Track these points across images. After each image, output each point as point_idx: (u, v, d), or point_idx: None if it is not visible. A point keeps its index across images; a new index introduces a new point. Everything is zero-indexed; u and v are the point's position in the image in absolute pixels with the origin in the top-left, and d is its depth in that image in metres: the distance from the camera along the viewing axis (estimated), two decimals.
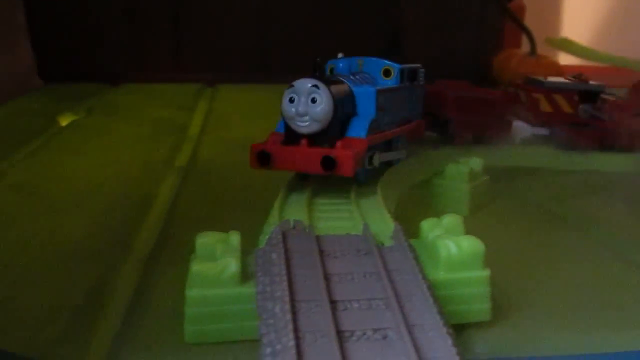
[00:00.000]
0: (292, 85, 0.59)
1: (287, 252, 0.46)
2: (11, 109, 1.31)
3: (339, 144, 0.58)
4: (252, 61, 1.73)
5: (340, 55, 0.68)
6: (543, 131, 1.00)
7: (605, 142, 1.00)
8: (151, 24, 1.68)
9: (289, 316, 0.37)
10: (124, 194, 0.82)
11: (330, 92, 0.58)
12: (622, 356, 0.49)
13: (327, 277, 0.43)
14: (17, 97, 1.40)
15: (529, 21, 1.76)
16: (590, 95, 1.01)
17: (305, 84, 0.58)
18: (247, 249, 0.49)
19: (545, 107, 0.99)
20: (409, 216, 0.63)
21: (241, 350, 0.47)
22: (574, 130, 0.99)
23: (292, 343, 0.35)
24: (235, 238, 0.49)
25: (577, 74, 1.05)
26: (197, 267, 0.45)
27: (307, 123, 0.58)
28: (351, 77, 0.66)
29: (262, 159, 0.59)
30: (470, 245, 0.48)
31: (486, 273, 0.48)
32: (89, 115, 1.29)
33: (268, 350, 0.36)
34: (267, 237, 0.50)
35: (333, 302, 0.40)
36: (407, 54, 1.70)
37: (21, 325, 0.51)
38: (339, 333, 0.37)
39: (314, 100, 0.57)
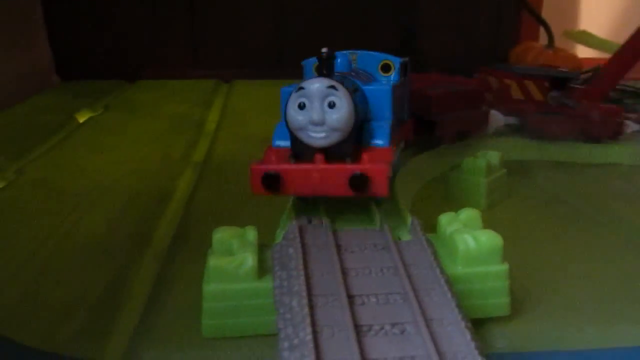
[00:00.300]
0: (302, 88, 0.47)
1: (304, 247, 0.46)
2: (30, 106, 1.32)
3: (365, 156, 0.48)
4: (268, 57, 1.73)
5: (324, 50, 0.55)
6: (514, 120, 0.97)
7: (574, 131, 0.97)
8: (168, 21, 1.69)
9: (306, 310, 0.37)
10: (141, 189, 0.83)
11: (349, 92, 0.48)
12: None
13: (344, 272, 0.43)
14: (35, 94, 1.41)
15: (546, 13, 1.74)
16: (559, 82, 0.98)
17: (319, 86, 0.47)
18: (263, 244, 0.50)
19: (517, 94, 0.96)
20: (427, 210, 0.63)
21: (258, 345, 0.47)
22: (543, 118, 0.96)
23: (309, 337, 0.35)
24: (251, 233, 0.49)
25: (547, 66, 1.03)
26: (214, 262, 0.46)
27: (325, 134, 0.47)
28: (352, 73, 0.58)
29: (269, 182, 0.47)
30: (489, 239, 0.47)
31: (505, 267, 0.48)
32: (107, 112, 1.30)
33: (285, 344, 0.36)
34: (283, 231, 0.50)
35: (350, 297, 0.40)
36: (423, 47, 1.69)
37: (41, 320, 0.51)
38: (357, 327, 0.37)
39: (331, 105, 0.46)
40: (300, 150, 0.48)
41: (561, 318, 0.52)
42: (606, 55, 1.79)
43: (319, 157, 0.47)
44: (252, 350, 0.46)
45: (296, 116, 0.47)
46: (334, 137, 0.47)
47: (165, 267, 0.60)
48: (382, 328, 0.38)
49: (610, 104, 1.06)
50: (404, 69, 0.62)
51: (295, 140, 0.48)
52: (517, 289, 0.53)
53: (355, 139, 0.49)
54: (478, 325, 0.48)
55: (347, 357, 0.35)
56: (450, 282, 0.43)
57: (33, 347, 0.47)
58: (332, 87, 0.47)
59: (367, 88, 0.54)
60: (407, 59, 0.63)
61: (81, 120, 1.21)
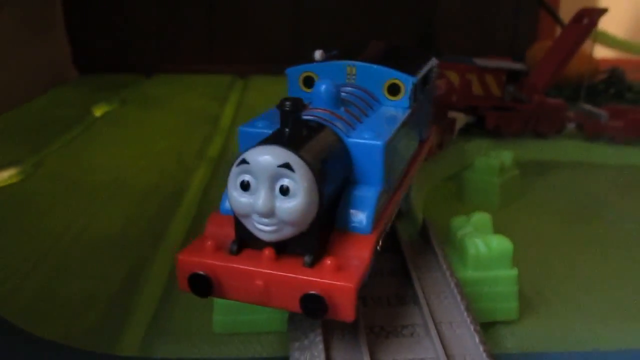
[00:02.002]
0: (245, 161, 0.33)
1: None
2: (48, 100, 1.34)
3: (328, 261, 0.33)
4: (285, 53, 1.73)
5: (317, 54, 0.43)
6: (473, 119, 0.93)
7: (528, 126, 0.95)
8: (185, 16, 1.70)
9: None
10: (157, 184, 0.84)
11: (313, 173, 0.33)
12: None
13: None
14: (53, 88, 1.42)
15: (563, 12, 1.73)
16: (514, 76, 0.95)
17: (269, 163, 0.32)
18: None
19: (477, 89, 0.91)
20: (438, 210, 0.63)
21: (269, 341, 0.47)
22: (498, 116, 0.93)
23: (319, 338, 0.36)
24: None
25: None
26: None
27: (274, 227, 0.33)
28: (341, 103, 0.41)
29: (197, 285, 0.35)
30: (499, 244, 0.48)
31: (514, 272, 0.48)
32: (123, 106, 1.31)
33: (296, 344, 0.36)
34: None
35: (361, 298, 0.41)
36: (440, 46, 1.69)
37: (57, 314, 0.52)
38: (367, 329, 0.38)
39: (284, 191, 0.32)
40: (247, 237, 0.35)
41: (572, 319, 0.52)
42: (625, 56, 1.77)
43: (267, 252, 0.34)
44: (263, 347, 0.47)
45: (238, 198, 0.33)
46: (287, 232, 0.33)
47: None
48: (392, 330, 0.38)
49: (557, 99, 1.04)
50: (416, 89, 0.46)
51: (239, 223, 0.35)
52: (529, 289, 0.54)
53: (326, 218, 0.36)
54: (488, 325, 0.49)
55: (357, 358, 0.35)
56: (460, 285, 0.43)
57: (49, 340, 0.48)
58: (287, 165, 0.32)
59: (350, 141, 0.38)
60: (418, 77, 0.46)
61: (98, 114, 1.23)
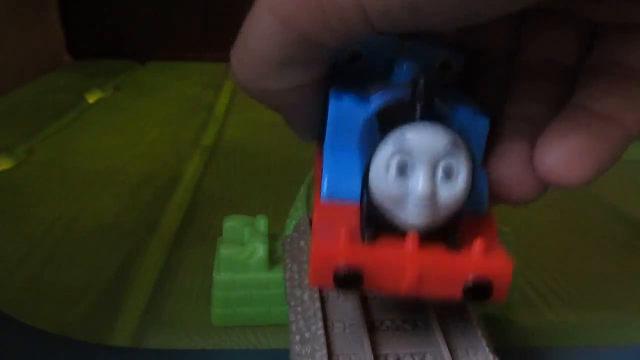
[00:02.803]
0: (403, 137, 0.28)
1: None
2: (41, 85, 1.32)
3: (477, 244, 0.30)
4: None
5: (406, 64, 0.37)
6: None
7: None
8: (180, 2, 1.68)
9: (318, 304, 0.37)
10: (151, 173, 0.83)
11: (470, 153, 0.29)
12: None
13: None
14: (46, 74, 1.41)
15: None
16: None
17: (433, 144, 0.28)
18: (273, 233, 0.49)
19: None
20: None
21: (264, 333, 0.47)
22: None
23: (321, 332, 0.35)
24: (262, 222, 0.49)
25: None
26: (225, 251, 0.46)
27: (431, 212, 0.29)
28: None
29: (344, 279, 0.30)
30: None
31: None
32: (117, 93, 1.30)
33: (297, 337, 0.36)
34: (293, 221, 0.50)
35: (360, 291, 0.40)
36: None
37: (49, 303, 0.52)
38: (368, 322, 0.37)
39: (448, 174, 0.29)
40: (382, 223, 0.30)
41: (568, 314, 0.52)
42: None
43: (412, 239, 0.30)
44: (258, 338, 0.47)
45: (393, 184, 0.29)
46: (442, 217, 0.30)
47: (172, 252, 0.61)
48: (393, 323, 0.38)
49: None
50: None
51: (373, 210, 0.30)
52: (524, 283, 0.54)
53: None
54: (490, 320, 0.48)
55: (358, 351, 0.35)
56: None
57: (41, 329, 0.48)
58: (453, 145, 0.28)
59: (458, 118, 0.33)
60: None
61: (91, 100, 1.21)
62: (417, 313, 0.39)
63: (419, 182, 0.28)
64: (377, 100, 0.32)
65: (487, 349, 0.36)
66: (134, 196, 0.75)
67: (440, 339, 0.36)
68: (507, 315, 0.50)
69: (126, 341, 0.47)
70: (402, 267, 0.30)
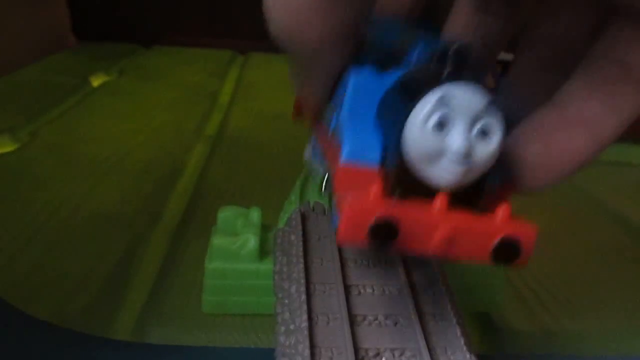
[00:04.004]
0: (448, 92, 0.29)
1: (305, 235, 0.47)
2: (45, 66, 1.33)
3: (503, 206, 0.31)
4: None
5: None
6: None
7: None
8: None
9: (303, 297, 0.38)
10: (154, 161, 0.84)
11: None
12: None
13: (342, 262, 0.44)
14: (51, 54, 1.41)
15: None
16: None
17: (476, 101, 0.29)
18: (267, 225, 0.51)
19: None
20: None
21: (262, 327, 0.48)
22: None
23: (305, 324, 0.36)
24: (255, 214, 0.50)
25: None
26: (217, 241, 0.47)
27: (464, 170, 0.30)
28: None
29: (380, 233, 0.30)
30: None
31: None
32: (121, 77, 1.30)
33: (282, 328, 0.37)
34: (286, 214, 0.51)
35: (347, 287, 0.41)
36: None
37: (49, 293, 0.51)
38: (351, 317, 0.38)
39: (485, 132, 0.30)
40: (409, 183, 0.31)
41: (568, 321, 0.53)
42: None
43: (442, 199, 0.30)
44: (257, 333, 0.48)
45: (431, 138, 0.29)
46: (472, 176, 0.30)
47: (174, 243, 0.61)
48: (375, 319, 0.39)
49: None
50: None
51: (403, 169, 0.30)
52: (524, 288, 0.54)
53: None
54: (478, 322, 0.49)
55: (340, 345, 0.36)
56: (446, 277, 0.44)
57: (42, 320, 0.47)
58: (491, 104, 0.30)
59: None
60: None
61: (95, 84, 1.22)
62: (399, 310, 0.40)
63: (457, 136, 0.29)
64: (395, 75, 0.34)
65: (465, 348, 0.37)
66: (137, 185, 0.75)
67: (420, 336, 0.37)
68: (494, 311, 0.51)
69: (126, 334, 0.47)
70: (434, 225, 0.30)
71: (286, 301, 0.39)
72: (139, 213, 0.68)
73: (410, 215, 0.30)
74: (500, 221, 0.31)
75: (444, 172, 0.30)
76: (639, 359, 0.49)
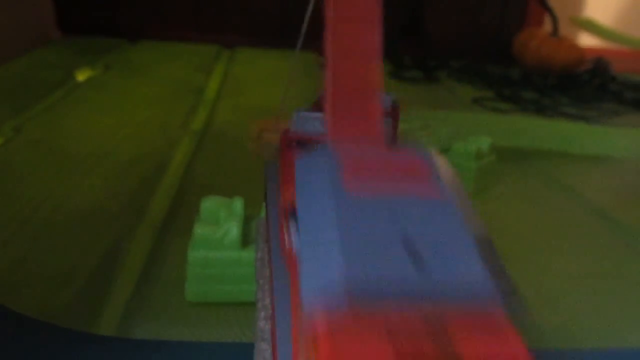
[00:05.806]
0: None
1: None
2: (30, 61, 1.32)
3: None
4: (273, 26, 1.72)
5: None
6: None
7: None
8: None
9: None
10: (139, 156, 0.83)
11: None
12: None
13: None
14: (35, 49, 1.41)
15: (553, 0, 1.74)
16: None
17: None
18: (250, 215, 0.51)
19: None
20: None
21: (248, 322, 0.48)
22: None
23: None
24: (238, 204, 0.50)
25: None
26: (200, 230, 0.47)
27: None
28: None
29: None
30: None
31: None
32: (107, 72, 1.30)
33: (262, 314, 0.37)
34: None
35: None
36: (429, 30, 1.68)
37: (33, 288, 0.51)
38: None
39: None
40: None
41: (551, 315, 0.53)
42: (610, 45, 1.78)
43: None
44: (241, 328, 0.48)
45: None
46: None
47: (159, 238, 0.61)
48: None
49: None
50: None
51: None
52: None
53: None
54: None
55: None
56: None
57: (24, 315, 0.47)
58: None
59: None
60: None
61: (81, 78, 1.22)
62: None
63: None
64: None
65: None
66: (122, 180, 0.75)
67: None
68: None
69: (111, 330, 0.46)
70: None
71: (267, 287, 0.40)
72: (124, 208, 0.67)
73: None
74: None
75: None
76: (624, 352, 0.50)
